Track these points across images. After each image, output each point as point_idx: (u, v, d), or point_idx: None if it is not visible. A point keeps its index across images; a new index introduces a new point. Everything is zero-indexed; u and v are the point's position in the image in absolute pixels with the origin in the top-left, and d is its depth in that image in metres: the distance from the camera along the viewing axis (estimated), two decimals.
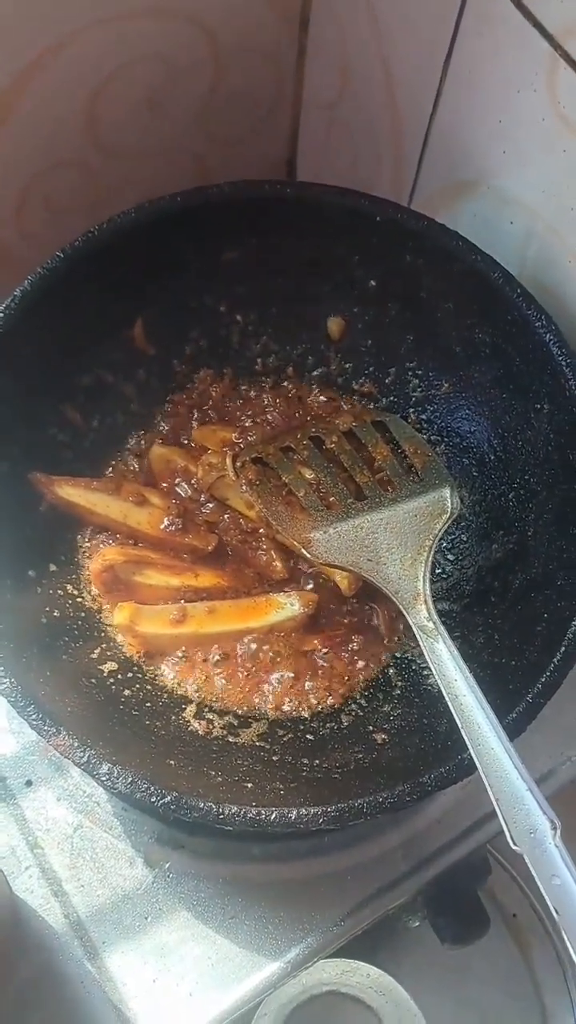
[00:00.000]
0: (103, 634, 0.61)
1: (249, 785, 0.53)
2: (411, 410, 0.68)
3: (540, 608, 0.56)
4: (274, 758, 0.57)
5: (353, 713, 0.60)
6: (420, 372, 0.67)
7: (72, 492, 0.61)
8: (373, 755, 0.56)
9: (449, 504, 0.60)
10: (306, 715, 0.60)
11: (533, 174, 0.60)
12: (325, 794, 0.52)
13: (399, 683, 0.61)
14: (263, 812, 0.48)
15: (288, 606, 0.62)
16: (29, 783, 0.63)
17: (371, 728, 0.58)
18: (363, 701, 0.61)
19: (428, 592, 0.56)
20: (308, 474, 0.64)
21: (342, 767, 0.55)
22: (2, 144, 0.67)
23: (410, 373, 0.67)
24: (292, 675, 0.61)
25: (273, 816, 0.48)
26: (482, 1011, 0.76)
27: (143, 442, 0.67)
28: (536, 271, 0.63)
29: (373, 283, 0.65)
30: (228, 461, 0.64)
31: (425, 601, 0.56)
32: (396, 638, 0.63)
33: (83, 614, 0.61)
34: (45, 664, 0.55)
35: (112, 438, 0.66)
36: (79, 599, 0.61)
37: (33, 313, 0.58)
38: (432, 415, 0.67)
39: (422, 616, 0.55)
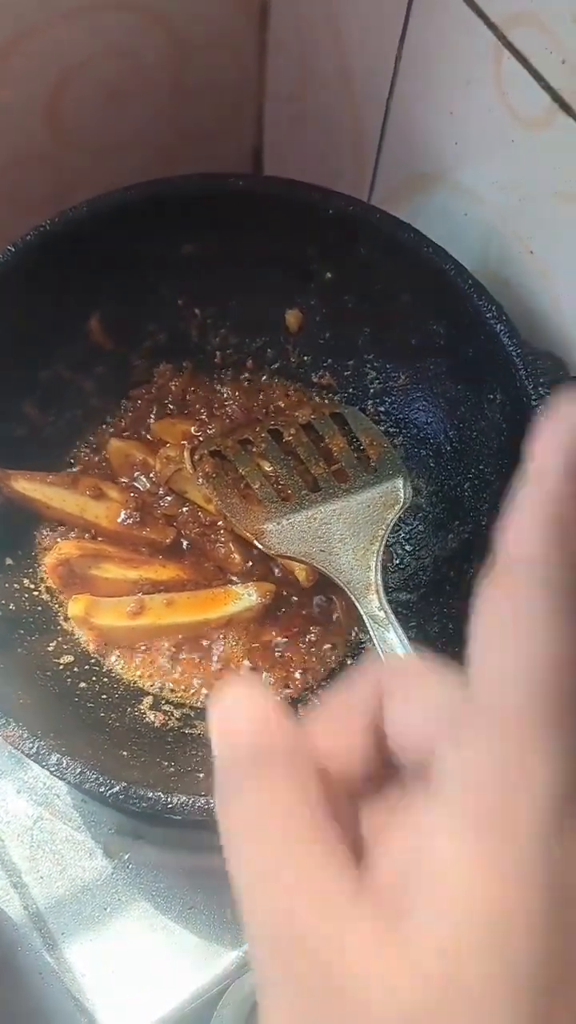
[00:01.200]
0: (59, 627, 0.61)
1: (201, 775, 0.53)
2: (369, 402, 0.68)
3: None
4: None
5: (311, 703, 0.61)
6: (378, 364, 0.67)
7: (28, 486, 0.61)
8: None
9: (401, 494, 0.61)
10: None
11: (485, 166, 0.60)
12: None
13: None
14: (212, 801, 0.49)
15: (245, 596, 0.62)
16: None
17: None
18: (320, 691, 0.61)
19: (380, 582, 0.57)
20: (267, 466, 0.64)
21: None
22: None
23: (368, 365, 0.68)
24: (250, 666, 0.61)
25: None
26: None
27: (102, 437, 0.67)
28: (497, 265, 0.63)
29: (329, 275, 0.65)
30: (186, 454, 0.64)
31: (377, 591, 0.56)
32: (354, 628, 0.63)
33: (39, 608, 0.61)
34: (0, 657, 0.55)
35: (71, 433, 0.66)
36: (35, 592, 0.62)
37: None
38: (390, 407, 0.67)
39: (373, 606, 0.56)
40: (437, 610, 0.61)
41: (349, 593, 0.57)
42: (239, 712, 0.26)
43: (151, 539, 0.63)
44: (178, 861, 0.61)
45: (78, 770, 0.49)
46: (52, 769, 0.49)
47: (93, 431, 0.67)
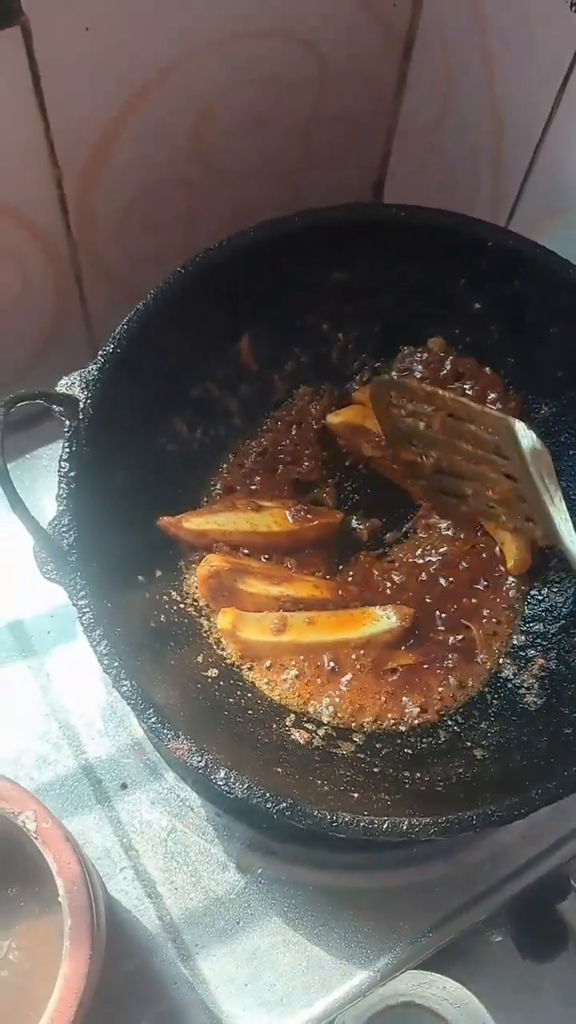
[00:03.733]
0: (205, 641, 0.62)
1: (355, 795, 0.54)
2: None
3: None
4: (375, 770, 0.58)
5: (450, 729, 0.61)
6: (519, 395, 0.68)
7: (199, 522, 0.64)
8: (474, 770, 0.57)
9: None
10: (403, 729, 0.61)
11: None
12: (431, 806, 0.53)
13: (495, 701, 0.62)
14: (375, 821, 0.49)
15: (384, 619, 0.63)
16: (124, 786, 0.64)
17: (469, 744, 0.59)
18: (459, 718, 0.62)
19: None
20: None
21: (444, 780, 0.56)
22: (111, 163, 0.69)
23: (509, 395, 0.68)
24: (389, 690, 0.62)
25: (385, 825, 0.49)
26: None
27: (243, 456, 0.69)
28: None
29: (478, 306, 0.66)
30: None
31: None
32: (492, 657, 0.63)
33: (186, 620, 0.62)
34: (156, 668, 0.56)
35: (214, 449, 0.68)
36: (181, 605, 0.63)
37: (151, 328, 0.59)
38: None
39: None
40: None
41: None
42: None
43: (326, 524, 0.66)
44: (310, 878, 0.62)
45: (246, 785, 0.50)
46: (219, 784, 0.50)
47: (235, 449, 0.68)
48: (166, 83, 0.67)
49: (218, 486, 0.68)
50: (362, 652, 0.63)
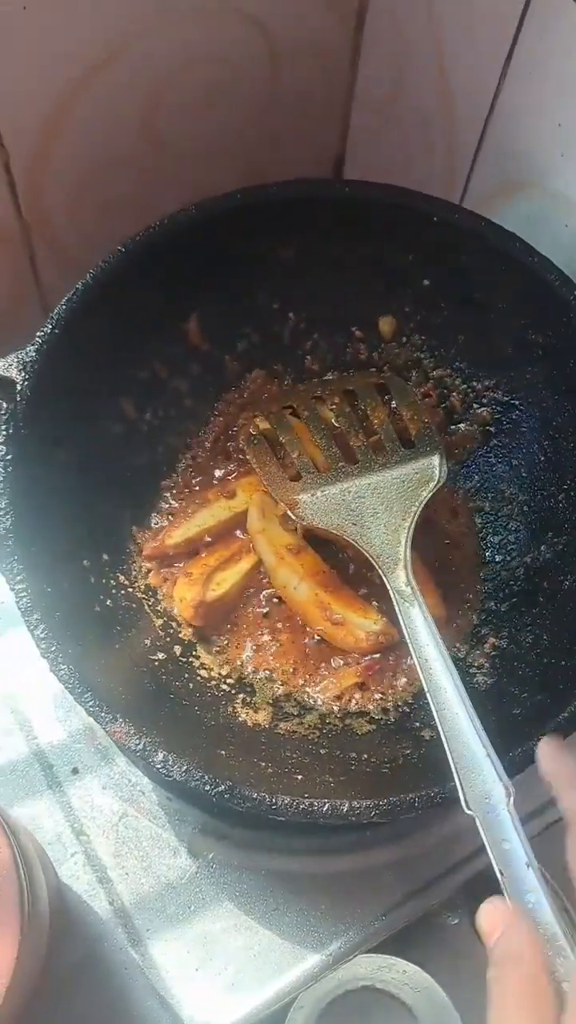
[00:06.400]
0: (152, 624, 0.62)
1: (299, 777, 0.54)
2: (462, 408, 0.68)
3: None
4: (322, 751, 0.57)
5: (400, 710, 0.61)
6: (470, 372, 0.67)
7: (181, 532, 0.64)
8: (421, 751, 0.56)
9: (437, 472, 0.62)
10: (353, 710, 0.61)
11: None
12: (375, 788, 0.53)
13: None
14: (315, 803, 0.49)
15: (370, 624, 0.62)
16: (75, 771, 0.63)
17: (418, 724, 0.59)
18: (409, 698, 0.61)
19: (408, 558, 0.58)
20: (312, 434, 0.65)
21: (391, 762, 0.56)
22: (62, 143, 0.68)
23: (461, 373, 0.68)
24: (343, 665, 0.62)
25: (325, 808, 0.49)
26: None
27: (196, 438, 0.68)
28: None
29: (427, 282, 0.65)
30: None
31: (405, 567, 0.57)
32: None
33: (134, 605, 0.62)
34: (100, 653, 0.56)
35: (164, 432, 0.67)
36: (129, 589, 0.62)
37: (93, 308, 0.58)
38: (484, 414, 0.67)
39: (401, 581, 0.57)
40: (530, 620, 0.61)
41: (378, 567, 0.58)
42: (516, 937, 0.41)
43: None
44: (261, 862, 0.62)
45: (184, 768, 0.49)
46: (158, 767, 0.49)
47: (186, 431, 0.68)
48: (113, 63, 0.66)
49: (175, 491, 0.67)
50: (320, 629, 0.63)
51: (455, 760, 0.48)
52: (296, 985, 0.60)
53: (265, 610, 0.64)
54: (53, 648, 0.51)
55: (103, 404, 0.63)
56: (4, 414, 0.55)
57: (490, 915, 0.43)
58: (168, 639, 0.62)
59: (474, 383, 0.67)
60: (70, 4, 0.60)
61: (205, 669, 0.61)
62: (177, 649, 0.61)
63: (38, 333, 0.56)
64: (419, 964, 0.68)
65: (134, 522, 0.65)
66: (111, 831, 0.62)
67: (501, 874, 0.45)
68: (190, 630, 0.62)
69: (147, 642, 0.60)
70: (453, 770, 0.48)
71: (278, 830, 0.61)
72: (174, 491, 0.67)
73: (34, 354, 0.56)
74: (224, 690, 0.61)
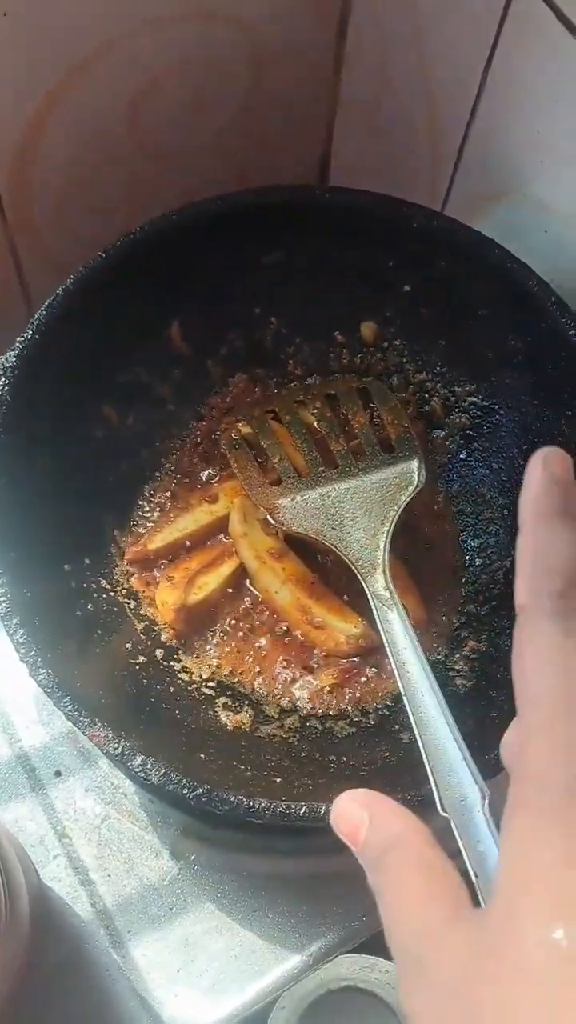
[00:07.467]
0: (133, 628, 0.62)
1: (278, 780, 0.54)
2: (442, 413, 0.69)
3: None
4: (302, 754, 0.58)
5: (380, 712, 0.61)
6: (451, 377, 0.67)
7: (162, 536, 0.64)
8: (400, 754, 0.57)
9: (416, 476, 0.62)
10: (332, 712, 0.61)
11: (571, 184, 0.60)
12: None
13: None
14: (293, 806, 0.49)
15: (350, 628, 0.62)
16: (58, 774, 0.64)
17: (397, 727, 0.59)
18: (389, 701, 0.62)
19: (387, 562, 0.58)
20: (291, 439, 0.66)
21: (369, 765, 0.56)
22: (45, 145, 0.69)
23: (442, 378, 0.68)
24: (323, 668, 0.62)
25: (303, 811, 0.49)
26: None
27: (179, 444, 0.69)
28: (567, 279, 0.63)
29: (407, 288, 0.65)
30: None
31: (384, 571, 0.58)
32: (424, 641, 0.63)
33: (115, 609, 0.62)
34: (80, 657, 0.56)
35: (146, 437, 0.67)
36: (111, 593, 0.63)
37: (74, 314, 0.59)
38: (464, 419, 0.68)
39: (379, 585, 0.57)
40: (509, 624, 0.61)
41: (356, 571, 0.58)
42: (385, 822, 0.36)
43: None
44: (243, 864, 0.62)
45: (162, 772, 0.49)
46: (136, 771, 0.50)
47: (169, 436, 0.68)
48: (95, 68, 0.66)
49: (158, 496, 0.67)
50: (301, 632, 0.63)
51: (431, 763, 0.48)
52: (278, 985, 0.60)
53: (247, 614, 0.64)
54: (32, 653, 0.51)
55: (85, 409, 0.63)
56: None
57: (346, 811, 0.36)
58: (149, 643, 0.62)
59: (455, 388, 0.67)
60: (52, 9, 0.61)
61: (186, 672, 0.62)
62: (158, 653, 0.62)
63: (18, 338, 0.57)
64: None
65: (116, 526, 0.65)
66: (93, 833, 0.62)
67: (475, 875, 0.45)
68: (171, 634, 0.62)
69: (128, 646, 0.60)
70: (429, 773, 0.48)
71: (259, 832, 0.62)
72: (156, 496, 0.67)
73: (15, 359, 0.56)
74: (205, 693, 0.61)
